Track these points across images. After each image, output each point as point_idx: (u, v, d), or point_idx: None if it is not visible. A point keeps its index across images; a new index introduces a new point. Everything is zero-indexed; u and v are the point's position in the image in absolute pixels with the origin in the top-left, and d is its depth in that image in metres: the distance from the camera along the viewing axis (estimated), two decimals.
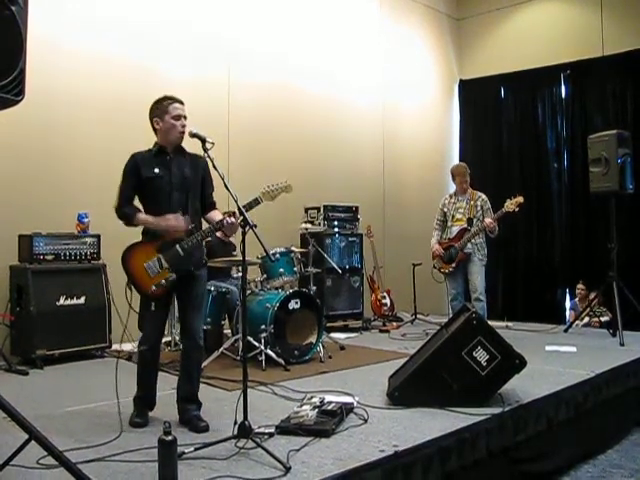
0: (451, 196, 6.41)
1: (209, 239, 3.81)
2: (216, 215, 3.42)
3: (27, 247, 4.94)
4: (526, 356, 3.58)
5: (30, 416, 2.37)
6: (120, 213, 3.30)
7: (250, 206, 3.19)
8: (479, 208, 6.15)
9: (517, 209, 5.92)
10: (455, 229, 6.21)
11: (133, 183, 3.30)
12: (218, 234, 4.88)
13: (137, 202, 3.38)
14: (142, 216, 3.26)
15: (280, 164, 7.12)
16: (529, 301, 8.81)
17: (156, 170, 3.26)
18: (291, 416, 3.14)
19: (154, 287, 3.18)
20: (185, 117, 3.30)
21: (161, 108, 3.28)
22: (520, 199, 5.91)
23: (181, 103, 3.32)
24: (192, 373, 3.34)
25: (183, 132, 3.26)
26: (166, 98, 3.32)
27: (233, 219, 3.17)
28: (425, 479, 2.83)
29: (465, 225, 6.14)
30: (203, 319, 3.92)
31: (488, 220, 5.96)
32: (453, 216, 6.26)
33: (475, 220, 6.12)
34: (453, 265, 6.13)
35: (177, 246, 3.21)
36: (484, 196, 6.23)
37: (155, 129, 3.32)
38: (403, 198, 8.78)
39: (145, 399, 3.32)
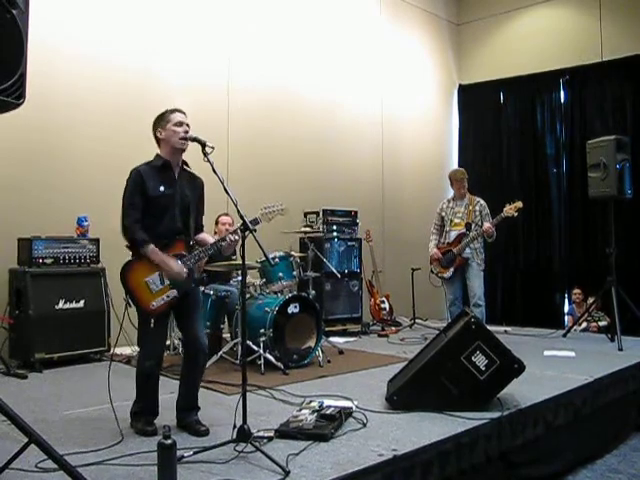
0: (449, 200, 6.41)
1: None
2: (205, 237, 3.46)
3: (26, 250, 4.94)
4: (525, 361, 3.58)
5: (29, 419, 2.37)
6: (132, 237, 3.15)
7: (252, 224, 3.22)
8: (477, 213, 6.16)
9: (516, 214, 5.94)
10: (453, 234, 6.22)
11: (141, 201, 3.17)
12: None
13: None
14: (152, 248, 3.12)
15: (279, 168, 7.14)
16: (528, 306, 8.83)
17: (161, 188, 3.20)
18: (290, 420, 3.14)
19: (154, 303, 3.13)
20: (188, 124, 3.25)
21: (163, 118, 3.26)
22: (519, 204, 5.93)
23: (182, 113, 3.29)
24: (196, 380, 3.31)
25: (185, 138, 3.19)
26: (167, 110, 3.30)
27: (237, 236, 3.16)
28: None
29: (463, 230, 6.16)
30: (203, 323, 3.91)
31: (487, 225, 5.97)
32: (451, 221, 6.27)
33: (473, 225, 6.13)
34: (451, 270, 6.14)
35: (179, 262, 3.20)
36: (482, 201, 6.24)
37: (158, 140, 3.28)
38: (402, 203, 8.79)
39: (150, 408, 3.23)
